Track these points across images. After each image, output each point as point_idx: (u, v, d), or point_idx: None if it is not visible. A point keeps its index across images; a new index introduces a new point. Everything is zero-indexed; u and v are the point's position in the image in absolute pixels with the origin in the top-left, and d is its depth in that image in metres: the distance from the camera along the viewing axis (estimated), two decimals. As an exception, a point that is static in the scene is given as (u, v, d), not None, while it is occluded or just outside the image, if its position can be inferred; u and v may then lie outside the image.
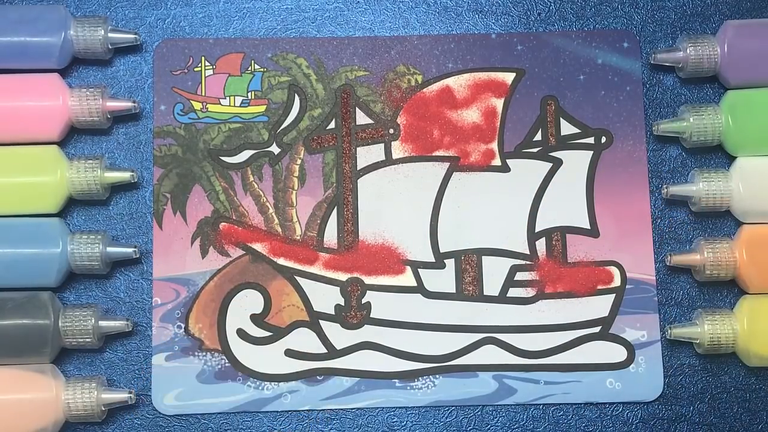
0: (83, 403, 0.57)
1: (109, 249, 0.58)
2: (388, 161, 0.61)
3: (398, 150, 0.61)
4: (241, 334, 0.60)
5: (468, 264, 0.60)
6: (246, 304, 0.60)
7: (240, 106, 0.61)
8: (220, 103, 0.61)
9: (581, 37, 0.62)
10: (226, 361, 0.59)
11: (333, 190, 0.61)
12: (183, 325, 0.59)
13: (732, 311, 0.59)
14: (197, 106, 0.61)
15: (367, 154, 0.61)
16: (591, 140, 0.62)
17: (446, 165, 0.61)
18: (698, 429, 0.59)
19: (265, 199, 0.61)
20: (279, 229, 0.60)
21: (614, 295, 0.60)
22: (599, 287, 0.60)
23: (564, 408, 0.59)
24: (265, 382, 0.59)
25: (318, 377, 0.59)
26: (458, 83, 0.62)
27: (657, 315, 0.60)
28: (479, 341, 0.59)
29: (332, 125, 0.62)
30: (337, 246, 0.60)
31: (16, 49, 0.59)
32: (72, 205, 0.60)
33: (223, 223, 0.60)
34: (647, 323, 0.60)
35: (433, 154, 0.61)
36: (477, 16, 0.63)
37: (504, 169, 0.61)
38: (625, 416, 0.59)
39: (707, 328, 0.58)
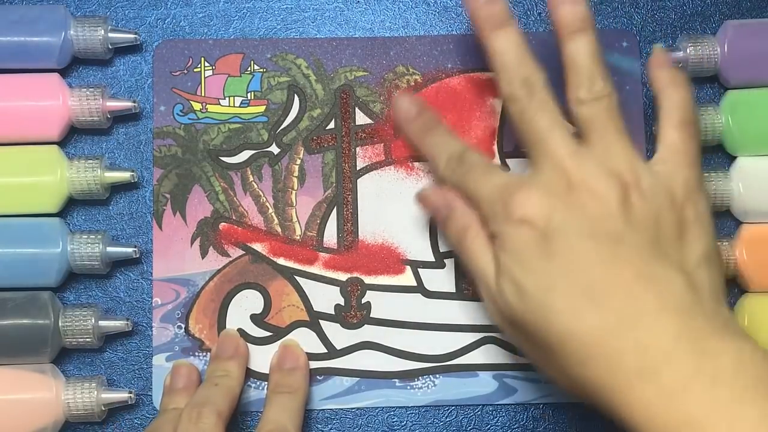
0: (83, 403, 0.57)
1: (109, 249, 0.58)
2: (388, 161, 0.61)
3: (398, 150, 0.61)
4: (241, 334, 0.60)
5: (468, 264, 0.60)
6: (246, 304, 0.60)
7: (240, 107, 0.62)
8: (219, 104, 0.61)
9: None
10: (226, 361, 0.59)
11: (333, 190, 0.61)
12: (183, 326, 0.60)
13: (732, 310, 0.59)
14: (197, 106, 0.61)
15: (367, 154, 0.61)
16: (591, 140, 0.61)
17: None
18: (698, 429, 0.59)
19: (264, 199, 0.61)
20: (279, 229, 0.60)
21: (614, 294, 0.60)
22: (599, 287, 0.60)
23: (564, 408, 0.59)
24: (265, 382, 0.59)
25: (318, 377, 0.59)
26: (457, 83, 0.62)
27: (657, 315, 0.60)
28: (479, 341, 0.59)
29: (332, 125, 0.62)
30: (336, 246, 0.60)
31: (16, 49, 0.59)
32: (72, 205, 0.60)
33: (222, 224, 0.60)
34: (647, 323, 0.60)
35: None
36: (477, 16, 0.63)
37: (504, 169, 0.61)
38: (625, 416, 0.59)
39: (707, 328, 0.58)
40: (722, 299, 0.50)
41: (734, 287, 0.60)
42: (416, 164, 0.61)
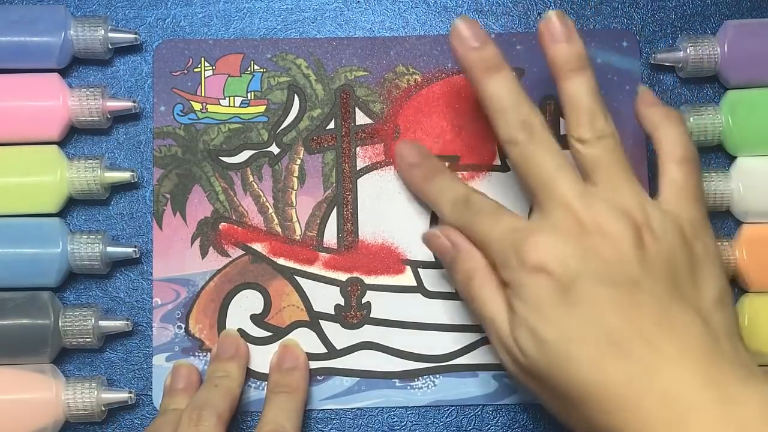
0: (83, 403, 0.57)
1: (109, 249, 0.59)
2: (388, 161, 0.61)
3: (398, 150, 0.61)
4: (241, 334, 0.60)
5: (468, 264, 0.60)
6: (246, 304, 0.60)
7: (240, 107, 0.62)
8: (219, 104, 0.61)
9: (581, 37, 0.62)
10: (226, 361, 0.59)
11: (333, 190, 0.61)
12: (183, 326, 0.60)
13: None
14: (197, 106, 0.61)
15: (367, 154, 0.61)
16: (591, 140, 0.61)
17: (446, 165, 0.61)
18: (698, 429, 0.59)
19: (264, 199, 0.61)
20: (279, 229, 0.60)
21: (614, 294, 0.60)
22: (599, 287, 0.60)
23: (564, 408, 0.59)
24: (265, 382, 0.59)
25: (318, 377, 0.59)
26: (457, 83, 0.62)
27: (657, 315, 0.60)
28: (479, 341, 0.59)
29: (332, 125, 0.62)
30: (336, 246, 0.60)
31: (16, 49, 0.59)
32: (72, 205, 0.60)
33: (222, 224, 0.60)
34: (647, 323, 0.59)
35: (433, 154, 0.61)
36: (477, 16, 0.63)
37: (504, 168, 0.61)
38: (625, 416, 0.59)
39: (707, 328, 0.58)
40: (738, 340, 0.49)
41: (734, 287, 0.60)
42: (416, 164, 0.61)
